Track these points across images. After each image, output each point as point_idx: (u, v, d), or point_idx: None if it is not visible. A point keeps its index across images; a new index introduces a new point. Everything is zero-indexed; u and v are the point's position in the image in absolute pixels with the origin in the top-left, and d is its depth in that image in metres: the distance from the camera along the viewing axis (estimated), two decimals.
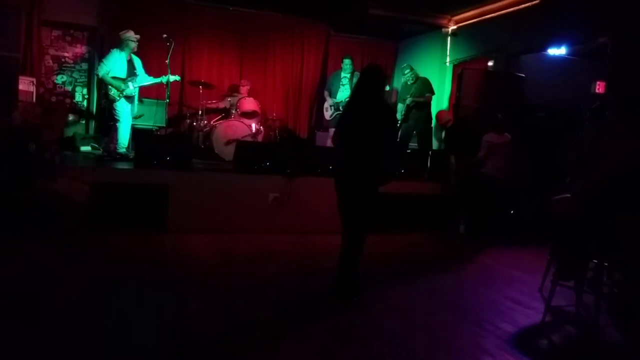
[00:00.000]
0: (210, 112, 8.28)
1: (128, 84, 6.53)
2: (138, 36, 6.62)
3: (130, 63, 6.64)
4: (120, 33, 6.63)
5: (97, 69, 6.78)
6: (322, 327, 3.22)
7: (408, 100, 7.82)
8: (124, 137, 6.68)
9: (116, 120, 6.64)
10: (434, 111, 8.34)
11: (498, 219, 6.33)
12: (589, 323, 3.68)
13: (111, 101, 6.53)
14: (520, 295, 4.18)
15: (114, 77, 6.47)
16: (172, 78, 6.82)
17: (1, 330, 2.80)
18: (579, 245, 3.74)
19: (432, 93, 7.97)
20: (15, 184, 4.62)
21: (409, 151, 8.05)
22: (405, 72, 8.02)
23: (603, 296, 3.71)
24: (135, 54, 6.80)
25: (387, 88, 8.02)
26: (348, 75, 7.96)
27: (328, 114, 8.16)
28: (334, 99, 8.03)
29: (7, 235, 4.42)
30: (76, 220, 4.80)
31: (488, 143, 6.10)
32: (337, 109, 7.97)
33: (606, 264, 3.70)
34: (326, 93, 8.27)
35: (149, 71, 7.00)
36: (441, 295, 4.15)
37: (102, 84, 6.81)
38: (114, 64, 6.50)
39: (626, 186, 3.57)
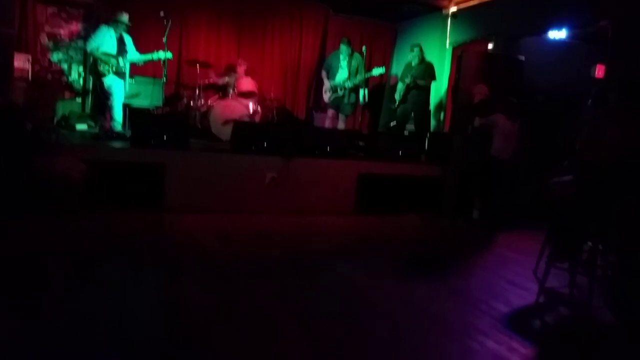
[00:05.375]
0: (208, 88, 8.21)
1: (118, 59, 6.47)
2: (130, 24, 6.59)
3: (120, 40, 6.58)
4: (117, 12, 6.57)
5: (86, 44, 6.73)
6: (320, 308, 3.24)
7: (408, 80, 7.77)
8: (118, 114, 6.64)
9: (108, 98, 6.58)
10: (433, 93, 8.31)
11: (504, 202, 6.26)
12: (582, 304, 3.73)
13: (100, 76, 6.47)
14: (515, 276, 4.21)
15: (104, 53, 6.42)
16: (164, 55, 6.71)
17: None
18: (575, 228, 3.76)
19: (433, 79, 7.93)
20: (12, 163, 4.61)
21: (406, 133, 8.04)
22: (414, 50, 7.92)
23: (597, 278, 3.75)
24: (130, 32, 6.73)
25: (383, 70, 7.97)
26: (347, 59, 7.90)
27: (327, 96, 8.11)
28: (332, 81, 7.98)
29: (4, 214, 4.41)
30: (73, 198, 4.79)
31: (492, 122, 6.04)
32: (334, 91, 7.93)
33: (600, 246, 3.73)
34: (324, 73, 8.20)
35: (145, 49, 6.93)
36: (437, 276, 4.17)
37: (92, 60, 6.73)
38: (103, 40, 6.44)
39: (625, 170, 3.58)
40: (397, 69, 9.40)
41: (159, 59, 6.73)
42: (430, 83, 7.93)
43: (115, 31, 6.54)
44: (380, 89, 9.60)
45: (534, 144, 6.36)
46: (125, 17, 6.55)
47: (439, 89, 8.62)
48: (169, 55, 6.80)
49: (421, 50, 7.90)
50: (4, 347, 2.40)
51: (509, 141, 5.99)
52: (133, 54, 6.71)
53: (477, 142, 6.23)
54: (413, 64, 7.91)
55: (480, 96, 6.39)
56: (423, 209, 6.55)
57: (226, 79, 8.27)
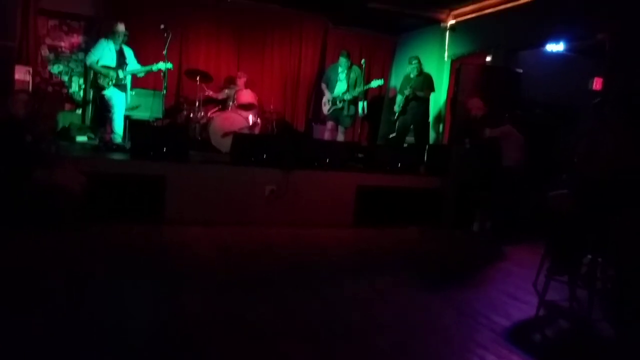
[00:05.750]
0: (208, 103, 8.26)
1: (118, 71, 6.51)
2: (126, 32, 6.65)
3: (120, 53, 6.62)
4: (113, 24, 6.62)
5: (86, 57, 6.78)
6: (320, 322, 3.23)
7: (407, 92, 7.81)
8: (118, 126, 6.67)
9: (109, 110, 6.62)
10: (432, 105, 8.36)
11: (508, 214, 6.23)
12: (581, 317, 3.72)
13: (100, 89, 6.52)
14: (516, 289, 4.21)
15: (103, 66, 6.46)
16: (164, 65, 6.72)
17: None
18: (574, 241, 3.76)
19: (432, 90, 7.98)
20: (12, 175, 4.61)
21: (405, 145, 8.06)
22: (413, 62, 7.96)
23: (596, 291, 3.74)
24: (127, 44, 6.78)
25: (382, 82, 8.02)
26: (345, 71, 7.96)
27: (326, 108, 8.16)
28: (331, 93, 8.03)
29: (4, 226, 4.41)
30: (73, 210, 4.79)
31: (504, 133, 6.09)
32: (334, 104, 7.98)
33: (600, 259, 3.74)
34: (323, 85, 8.28)
35: (145, 62, 6.97)
36: (437, 289, 4.17)
37: (93, 74, 6.78)
38: (102, 53, 6.50)
39: (623, 183, 3.59)
40: (396, 81, 9.45)
41: (159, 70, 6.76)
42: (429, 94, 7.97)
43: (115, 43, 6.59)
44: (380, 101, 9.65)
45: (532, 157, 6.38)
46: (121, 27, 6.59)
47: (437, 101, 8.66)
48: (169, 66, 6.82)
49: (419, 62, 7.95)
50: (5, 358, 2.40)
51: (516, 151, 6.03)
52: (133, 65, 6.74)
53: (486, 154, 6.24)
54: (412, 75, 7.96)
55: (478, 110, 6.42)
56: (422, 222, 6.55)
57: (226, 91, 8.32)
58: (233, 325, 3.05)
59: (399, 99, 8.03)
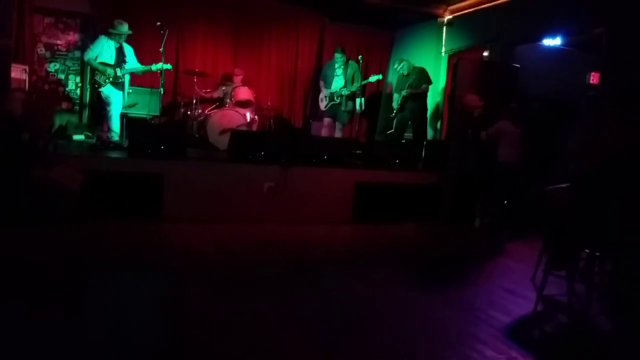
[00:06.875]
0: (205, 101, 8.24)
1: (116, 69, 6.49)
2: (130, 32, 6.60)
3: (120, 51, 6.59)
4: (115, 22, 6.57)
5: (84, 54, 6.76)
6: (320, 317, 3.24)
7: (404, 92, 7.81)
8: (116, 124, 6.65)
9: (105, 108, 6.60)
10: (429, 101, 8.35)
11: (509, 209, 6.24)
12: (580, 312, 3.73)
13: (97, 86, 6.50)
14: (514, 284, 4.22)
15: (101, 63, 6.43)
16: (162, 66, 6.69)
17: None
18: (571, 235, 3.77)
19: (429, 83, 7.97)
20: (9, 173, 4.60)
21: (403, 141, 8.06)
22: (396, 66, 7.99)
23: (594, 286, 3.75)
24: (127, 42, 6.75)
25: (380, 77, 8.01)
26: (342, 67, 7.95)
27: (323, 104, 8.16)
28: (328, 89, 8.02)
29: (2, 224, 4.41)
30: (71, 208, 4.79)
31: (498, 130, 6.09)
32: (331, 99, 7.97)
33: (598, 253, 3.74)
34: (321, 83, 8.27)
35: (142, 59, 6.94)
36: (435, 285, 4.18)
37: (90, 70, 6.76)
38: (101, 50, 6.47)
39: (618, 176, 3.60)
40: (393, 77, 9.42)
41: (158, 70, 6.74)
42: (427, 89, 7.94)
43: (116, 42, 6.55)
44: (377, 97, 9.64)
45: (529, 151, 6.39)
46: (124, 28, 6.56)
47: (434, 97, 8.65)
48: (168, 67, 6.81)
49: (402, 61, 7.94)
50: (2, 354, 2.39)
51: (513, 146, 6.02)
52: (132, 64, 6.71)
53: (484, 151, 6.25)
54: (404, 74, 7.94)
55: (476, 107, 6.43)
56: (421, 217, 6.55)
57: (222, 88, 8.30)
58: (232, 322, 3.06)
59: (396, 97, 8.02)
